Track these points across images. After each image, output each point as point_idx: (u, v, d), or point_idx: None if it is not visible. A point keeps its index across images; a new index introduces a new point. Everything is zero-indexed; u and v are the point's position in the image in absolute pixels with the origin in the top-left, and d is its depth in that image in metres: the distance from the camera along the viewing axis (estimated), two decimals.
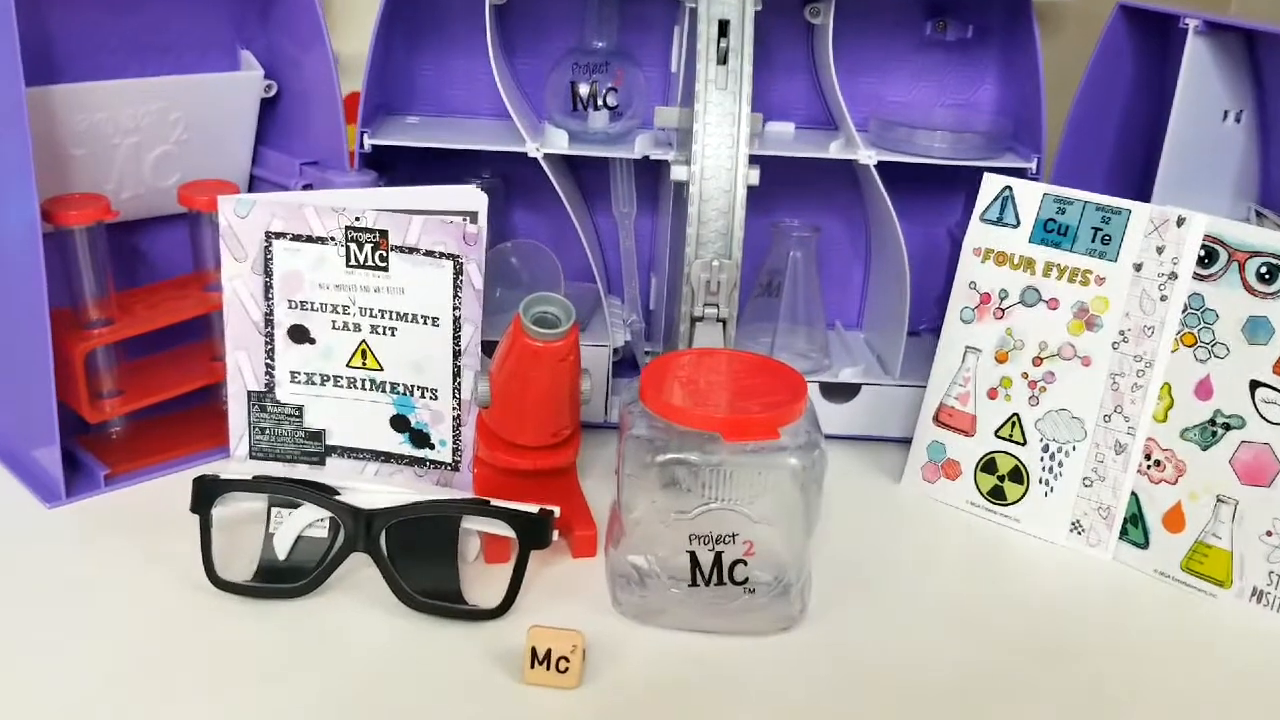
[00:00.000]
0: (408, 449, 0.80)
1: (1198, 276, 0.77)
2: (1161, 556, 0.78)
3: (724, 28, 0.83)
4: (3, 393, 0.84)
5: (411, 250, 0.75)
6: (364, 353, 0.78)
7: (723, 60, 0.83)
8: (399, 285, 0.76)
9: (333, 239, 0.76)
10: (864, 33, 0.97)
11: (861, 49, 0.98)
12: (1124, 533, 0.80)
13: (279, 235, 0.76)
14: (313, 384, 0.79)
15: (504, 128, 0.92)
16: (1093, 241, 0.81)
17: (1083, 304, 0.81)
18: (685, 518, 0.68)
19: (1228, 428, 0.76)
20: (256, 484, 0.71)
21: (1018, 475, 0.84)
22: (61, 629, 0.67)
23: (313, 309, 0.77)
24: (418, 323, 0.77)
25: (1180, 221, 0.78)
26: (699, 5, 0.84)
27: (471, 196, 0.79)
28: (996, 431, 0.85)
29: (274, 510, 0.72)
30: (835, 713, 0.64)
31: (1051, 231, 0.82)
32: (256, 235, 0.76)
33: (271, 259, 0.77)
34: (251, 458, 0.80)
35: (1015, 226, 0.83)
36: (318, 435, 0.80)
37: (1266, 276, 0.74)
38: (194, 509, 0.70)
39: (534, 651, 0.63)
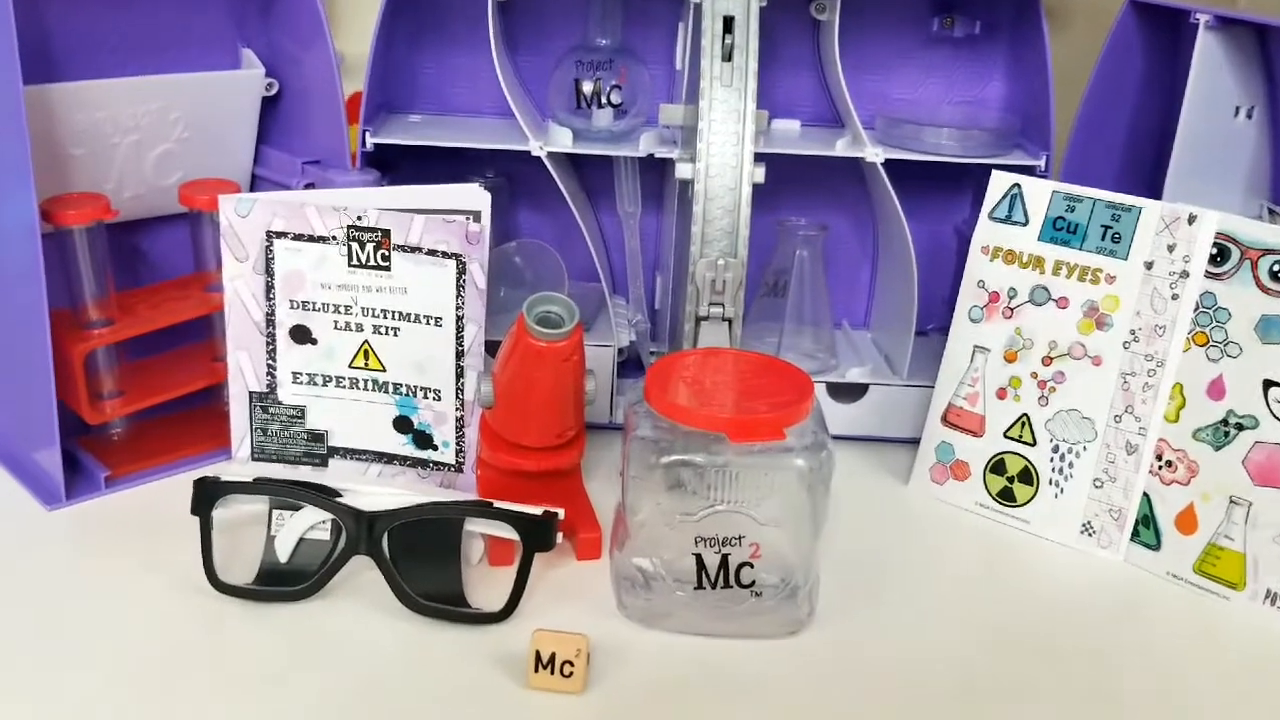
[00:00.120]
0: (410, 450, 0.80)
1: (1209, 275, 0.76)
2: (1174, 558, 0.78)
3: (729, 24, 0.83)
4: (3, 394, 0.83)
5: (414, 250, 0.75)
6: (366, 353, 0.78)
7: (728, 57, 0.82)
8: (401, 285, 0.76)
9: (334, 238, 0.75)
10: (870, 29, 0.97)
11: (868, 45, 0.97)
12: (1135, 534, 0.79)
13: (280, 235, 0.76)
14: (315, 385, 0.78)
15: (507, 126, 0.92)
16: (1103, 239, 0.80)
17: (1093, 303, 0.80)
18: (691, 520, 0.67)
19: (1240, 428, 0.75)
20: (257, 486, 0.71)
21: (1027, 476, 0.83)
22: (61, 632, 0.66)
23: (314, 309, 0.77)
24: (420, 323, 0.76)
25: (1191, 219, 0.77)
26: (703, 1, 0.83)
27: (475, 195, 0.78)
28: (1006, 432, 0.84)
29: (275, 512, 0.72)
30: (844, 717, 0.63)
31: (1061, 229, 0.81)
32: (258, 235, 0.76)
33: (273, 259, 0.76)
34: (253, 459, 0.80)
35: (1024, 224, 0.83)
36: (320, 436, 0.79)
37: (1279, 274, 0.73)
38: (195, 511, 0.70)
39: (538, 655, 0.63)
